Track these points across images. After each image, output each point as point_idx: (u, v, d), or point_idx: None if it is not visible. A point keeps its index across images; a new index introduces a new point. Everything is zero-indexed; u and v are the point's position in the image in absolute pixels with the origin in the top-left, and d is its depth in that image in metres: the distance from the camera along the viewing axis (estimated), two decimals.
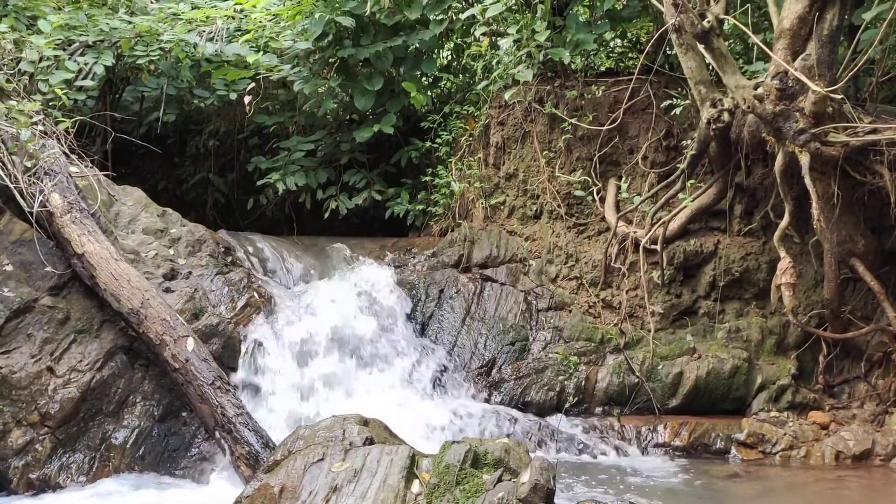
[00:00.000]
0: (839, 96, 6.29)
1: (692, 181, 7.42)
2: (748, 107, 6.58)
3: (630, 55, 8.68)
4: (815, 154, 6.39)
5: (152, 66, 9.13)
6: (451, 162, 8.68)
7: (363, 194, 9.14)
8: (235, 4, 9.26)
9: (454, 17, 8.92)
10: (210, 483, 5.85)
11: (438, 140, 8.87)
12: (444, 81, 9.50)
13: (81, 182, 6.65)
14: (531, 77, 7.92)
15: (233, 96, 9.33)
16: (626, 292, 7.55)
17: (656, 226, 7.35)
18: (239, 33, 9.23)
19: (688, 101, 7.45)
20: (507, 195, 8.26)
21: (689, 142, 7.45)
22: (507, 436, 6.53)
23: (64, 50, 8.07)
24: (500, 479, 4.29)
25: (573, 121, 7.85)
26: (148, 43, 8.61)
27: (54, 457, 5.77)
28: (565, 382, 7.21)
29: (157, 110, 9.67)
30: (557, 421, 6.95)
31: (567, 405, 7.14)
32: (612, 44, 8.95)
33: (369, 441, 4.81)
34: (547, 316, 7.59)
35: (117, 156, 8.80)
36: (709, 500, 5.82)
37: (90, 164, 7.03)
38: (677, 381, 7.19)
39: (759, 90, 6.50)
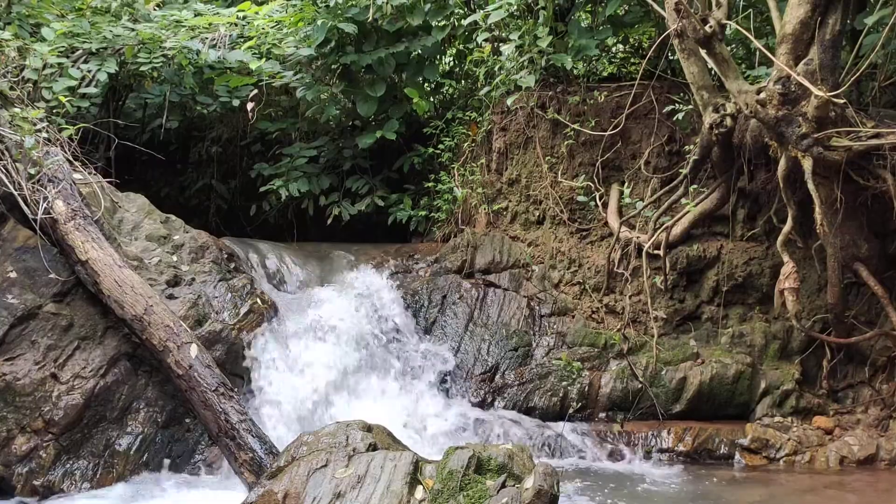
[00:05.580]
0: (842, 101, 6.29)
1: (695, 186, 7.42)
2: (751, 112, 6.59)
3: (632, 61, 8.69)
4: (818, 159, 6.39)
5: (155, 74, 9.17)
6: (453, 168, 8.69)
7: (366, 200, 9.16)
8: (238, 11, 9.29)
9: (456, 24, 8.94)
10: (214, 489, 5.84)
11: (441, 146, 8.89)
12: (447, 87, 9.52)
13: (85, 189, 6.67)
14: (533, 83, 7.94)
15: (235, 103, 9.35)
16: (630, 297, 7.54)
17: (659, 231, 7.35)
18: (241, 40, 9.26)
19: (690, 107, 7.45)
20: (510, 201, 8.27)
21: (692, 147, 7.45)
22: (511, 442, 6.52)
23: (67, 57, 8.10)
24: (503, 485, 4.28)
25: (575, 126, 7.86)
26: (151, 50, 8.64)
27: (58, 463, 5.77)
28: (568, 388, 7.20)
29: (160, 117, 9.70)
30: (561, 427, 6.94)
31: (570, 411, 7.13)
32: (614, 49, 8.96)
33: (373, 447, 4.81)
34: (550, 321, 7.59)
35: (120, 163, 8.82)
36: None
37: (93, 171, 7.04)
38: (681, 386, 7.18)
39: (762, 95, 6.50)
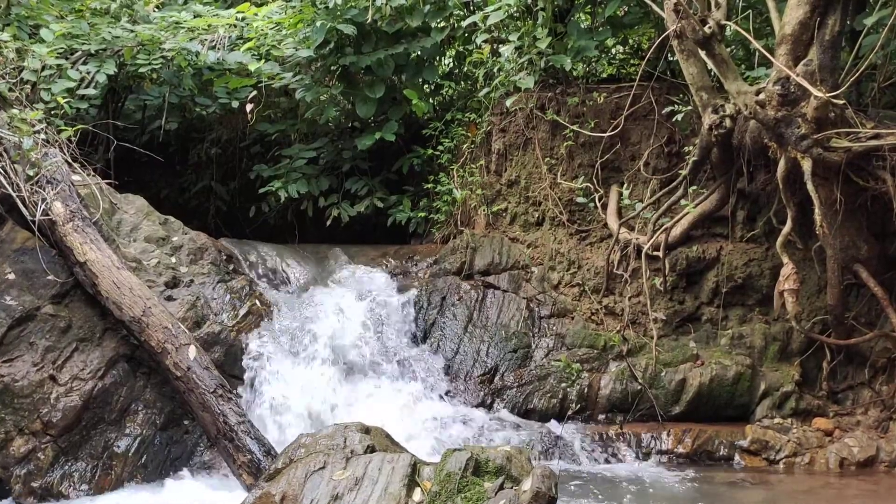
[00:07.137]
0: (841, 102, 6.28)
1: (694, 187, 7.41)
2: (750, 112, 6.58)
3: (631, 62, 8.69)
4: (818, 160, 6.38)
5: (154, 75, 9.17)
6: (452, 169, 8.68)
7: (365, 202, 9.15)
8: (237, 13, 9.28)
9: (455, 25, 8.93)
10: (212, 491, 5.83)
11: (440, 147, 8.88)
12: (446, 89, 9.51)
13: (84, 190, 6.67)
14: (533, 84, 7.93)
15: (235, 104, 9.34)
16: (629, 299, 7.53)
17: (658, 232, 7.34)
18: (241, 41, 9.25)
19: (689, 108, 7.44)
20: (509, 202, 8.26)
21: (691, 148, 7.44)
22: (509, 443, 6.51)
23: (66, 59, 8.09)
24: (501, 487, 4.27)
25: (575, 127, 7.85)
26: (150, 51, 8.63)
27: (56, 465, 5.76)
28: (568, 389, 7.19)
29: (159, 119, 9.70)
30: (560, 428, 6.93)
31: (570, 412, 7.12)
32: (613, 50, 8.96)
33: (371, 449, 4.81)
34: (549, 323, 7.58)
35: (119, 164, 8.81)
36: None
37: (92, 173, 7.05)
38: (680, 388, 7.17)
39: (761, 96, 6.49)
